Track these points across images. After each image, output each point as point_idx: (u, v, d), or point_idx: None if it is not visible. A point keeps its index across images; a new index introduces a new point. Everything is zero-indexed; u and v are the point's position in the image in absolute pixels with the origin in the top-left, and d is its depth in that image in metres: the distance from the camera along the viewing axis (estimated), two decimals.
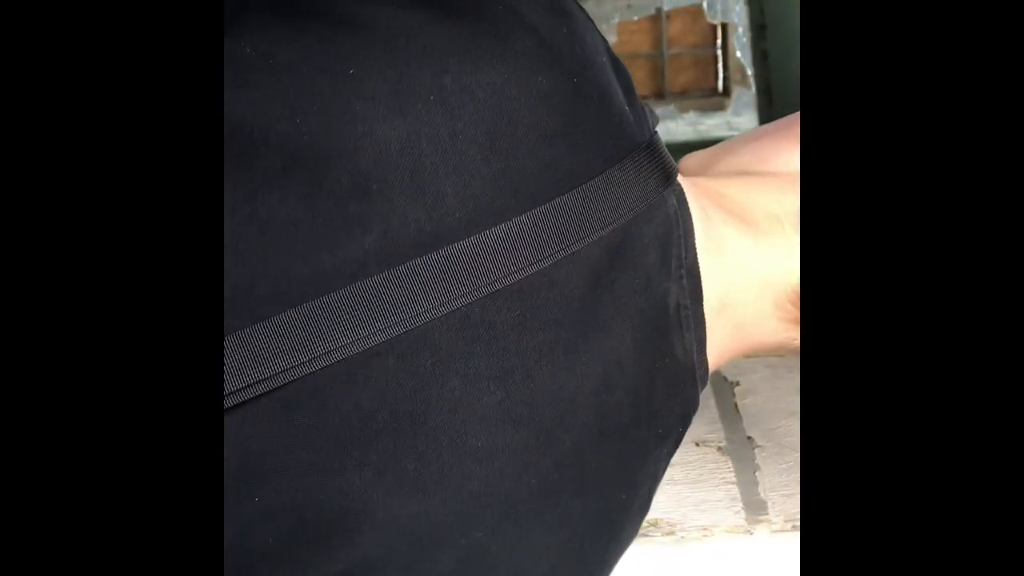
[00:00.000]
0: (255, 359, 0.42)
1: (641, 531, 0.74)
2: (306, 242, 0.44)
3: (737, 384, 0.99)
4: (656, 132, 0.54)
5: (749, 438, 0.88)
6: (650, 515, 0.76)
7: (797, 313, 0.56)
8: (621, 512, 0.51)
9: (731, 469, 0.83)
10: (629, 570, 0.74)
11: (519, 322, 0.45)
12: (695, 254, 0.52)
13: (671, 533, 0.74)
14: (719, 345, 0.55)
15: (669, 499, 0.79)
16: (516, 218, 0.45)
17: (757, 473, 0.82)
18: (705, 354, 0.53)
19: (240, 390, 0.42)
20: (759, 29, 1.88)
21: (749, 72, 1.89)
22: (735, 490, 0.79)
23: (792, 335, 0.57)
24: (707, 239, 0.53)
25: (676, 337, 0.50)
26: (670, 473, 0.84)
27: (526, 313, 0.46)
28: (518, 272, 0.45)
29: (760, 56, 1.88)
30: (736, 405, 0.95)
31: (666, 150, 0.53)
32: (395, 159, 0.44)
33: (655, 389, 0.49)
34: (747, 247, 0.55)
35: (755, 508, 0.77)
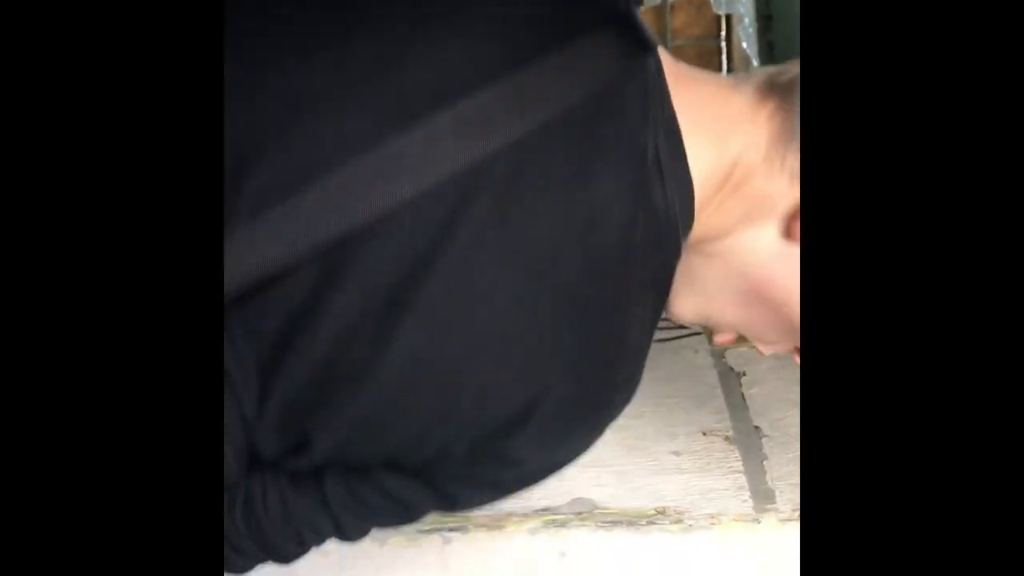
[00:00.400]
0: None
1: (649, 519, 0.74)
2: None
3: (744, 374, 1.00)
4: (637, 6, 0.59)
5: (756, 427, 0.88)
6: (657, 503, 0.76)
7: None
8: (616, 348, 0.54)
9: (738, 458, 0.83)
10: (638, 559, 0.74)
11: (516, 172, 0.50)
12: (674, 114, 0.54)
13: (679, 521, 0.74)
14: (707, 212, 0.56)
15: (677, 488, 0.79)
16: (515, 75, 0.50)
17: (764, 462, 0.82)
18: (690, 214, 0.55)
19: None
20: (765, 20, 1.87)
21: (755, 64, 1.88)
22: (742, 479, 0.80)
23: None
24: (683, 103, 0.55)
25: (656, 188, 0.53)
26: (677, 462, 0.84)
27: (524, 164, 0.50)
28: (520, 125, 0.50)
29: (766, 48, 1.87)
30: (743, 395, 0.95)
31: (645, 25, 0.56)
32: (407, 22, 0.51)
33: (637, 234, 0.52)
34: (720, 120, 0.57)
35: (762, 497, 0.77)
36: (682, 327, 1.12)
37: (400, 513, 0.58)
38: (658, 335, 1.11)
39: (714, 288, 0.60)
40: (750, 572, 0.74)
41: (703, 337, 1.09)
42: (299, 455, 0.54)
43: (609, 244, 0.51)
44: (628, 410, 0.95)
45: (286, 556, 0.60)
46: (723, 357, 1.03)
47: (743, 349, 1.05)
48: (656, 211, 0.53)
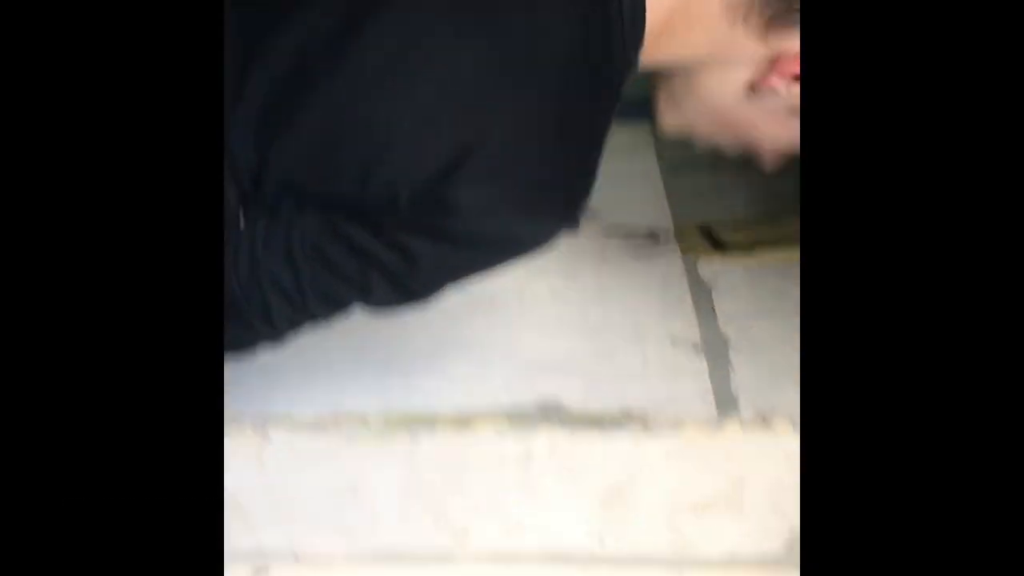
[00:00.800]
0: None
1: (614, 421, 0.75)
2: None
3: (714, 286, 1.00)
4: None
5: (724, 337, 0.89)
6: (622, 405, 0.77)
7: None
8: (554, 125, 0.60)
9: (705, 366, 0.84)
10: (602, 459, 0.76)
11: None
12: None
13: (643, 424, 0.76)
14: (665, 38, 0.62)
15: (643, 393, 0.80)
16: None
17: (730, 370, 0.83)
18: (642, 28, 0.61)
19: None
20: None
21: None
22: (707, 386, 0.81)
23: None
24: None
25: None
26: (644, 369, 0.85)
27: None
28: None
29: None
30: (713, 306, 0.96)
31: None
32: None
33: (589, 32, 0.58)
34: None
35: (726, 403, 0.78)
36: (656, 241, 1.12)
37: (358, 279, 0.62)
38: (632, 250, 1.11)
39: (692, 112, 0.68)
40: (711, 474, 0.76)
41: (675, 251, 1.09)
42: (261, 181, 0.60)
43: (558, 29, 0.57)
44: (598, 317, 0.96)
45: (251, 320, 0.64)
46: (695, 270, 1.04)
47: (716, 262, 1.05)
48: (610, 14, 0.58)
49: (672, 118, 0.70)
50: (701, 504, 0.76)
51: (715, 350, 0.87)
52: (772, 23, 0.59)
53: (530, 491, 0.76)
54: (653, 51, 0.62)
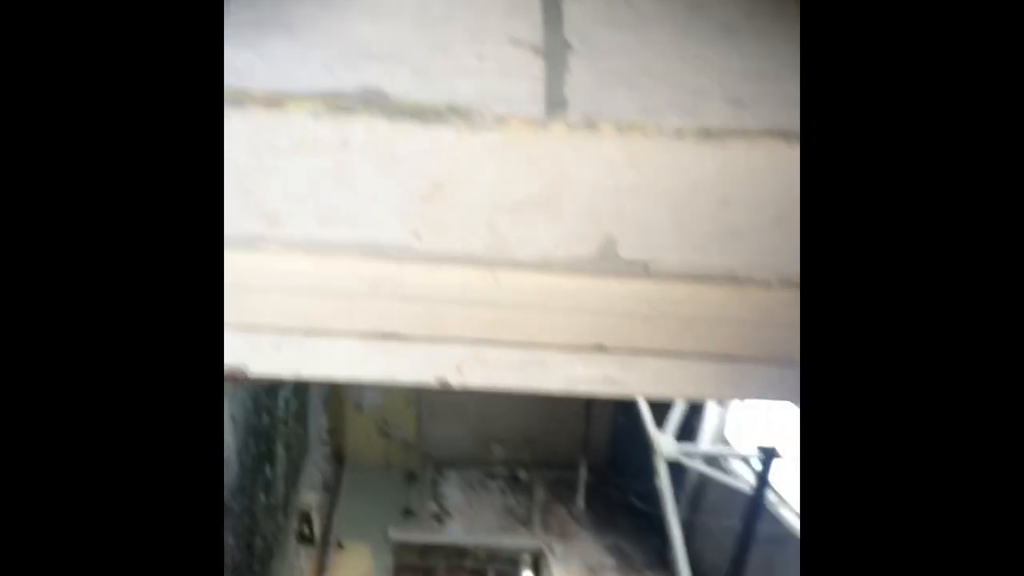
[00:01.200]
0: None
1: (437, 113, 0.72)
2: None
3: None
4: None
5: (566, 41, 0.85)
6: (446, 98, 0.74)
7: None
8: None
9: (542, 68, 0.80)
10: (424, 151, 0.73)
11: None
12: None
13: (467, 120, 0.73)
14: None
15: (473, 89, 0.76)
16: None
17: (566, 74, 0.80)
18: None
19: None
20: None
21: None
22: (541, 88, 0.78)
23: None
24: None
25: None
26: (479, 65, 0.80)
27: None
28: None
29: None
30: (561, 9, 0.90)
31: None
32: None
33: None
34: None
35: (556, 105, 0.76)
36: None
37: None
38: None
39: None
40: (532, 175, 0.74)
41: None
42: None
43: None
44: (439, 9, 0.89)
45: None
46: None
47: None
48: None
49: None
50: (519, 204, 0.76)
51: (555, 53, 0.83)
52: None
53: (345, 180, 0.73)
54: None
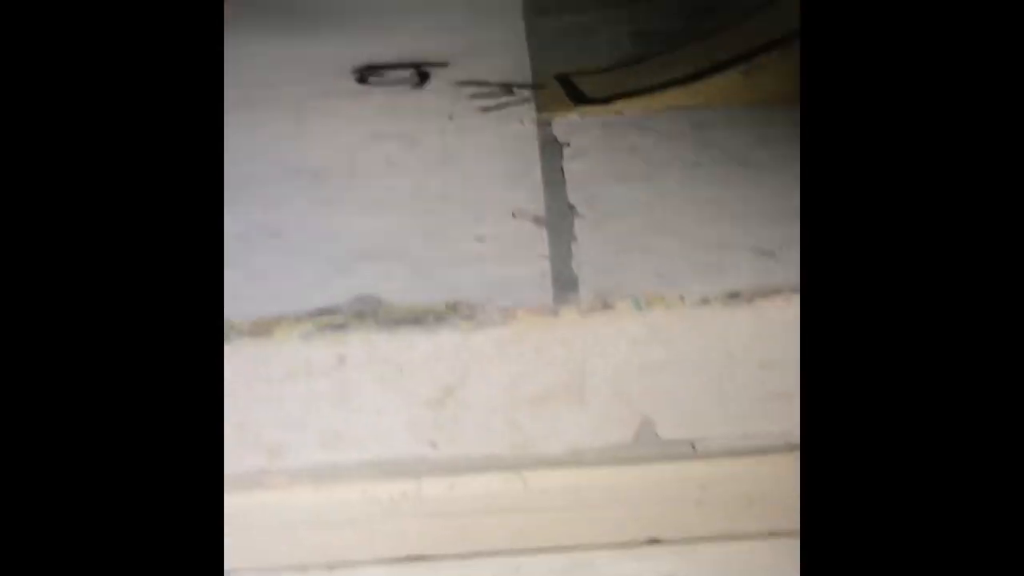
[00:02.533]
0: None
1: (437, 315, 0.67)
2: None
3: (567, 145, 0.90)
4: None
5: (571, 206, 0.80)
6: (448, 297, 0.68)
7: None
8: None
9: (546, 242, 0.75)
10: (428, 356, 0.67)
11: None
12: None
13: (470, 317, 0.67)
14: None
15: (474, 278, 0.71)
16: None
17: (573, 245, 0.74)
18: None
19: None
20: None
21: None
22: (547, 266, 0.72)
23: None
24: None
25: None
26: (479, 249, 0.75)
27: None
28: None
29: None
30: (563, 169, 0.86)
31: None
32: None
33: None
34: None
35: (565, 285, 0.70)
36: (510, 94, 1.01)
37: None
38: (483, 103, 1.00)
39: None
40: (549, 366, 0.68)
41: (531, 107, 0.97)
42: None
43: None
44: (436, 189, 0.85)
45: None
46: (549, 127, 0.93)
47: (573, 118, 0.95)
48: None
49: None
50: (540, 397, 0.69)
51: (559, 222, 0.77)
52: None
53: (346, 401, 0.67)
54: None
